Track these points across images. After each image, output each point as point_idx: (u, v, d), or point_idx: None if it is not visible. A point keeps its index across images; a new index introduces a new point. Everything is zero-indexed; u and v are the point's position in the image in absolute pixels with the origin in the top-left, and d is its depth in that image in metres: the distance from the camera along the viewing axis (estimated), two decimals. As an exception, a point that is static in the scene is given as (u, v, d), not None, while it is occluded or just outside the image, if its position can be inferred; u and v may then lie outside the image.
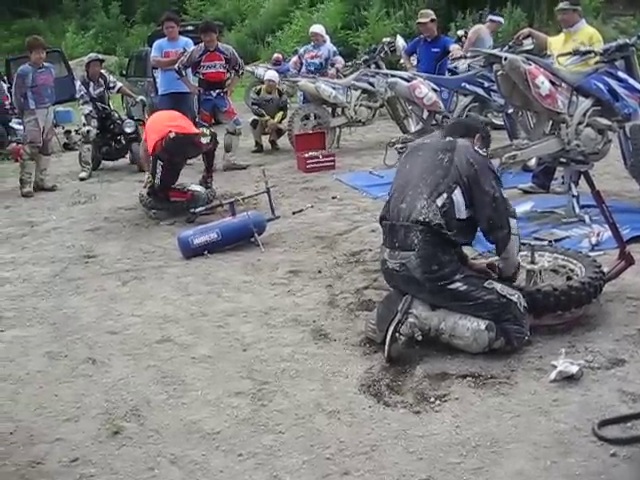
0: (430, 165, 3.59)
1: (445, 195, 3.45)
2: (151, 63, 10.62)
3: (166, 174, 6.49)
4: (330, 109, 10.16)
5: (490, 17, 11.06)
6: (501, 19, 11.61)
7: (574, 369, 3.12)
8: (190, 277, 4.97)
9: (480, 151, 3.63)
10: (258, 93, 10.77)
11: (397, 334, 3.41)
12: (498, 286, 3.49)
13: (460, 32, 11.90)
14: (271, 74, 11.02)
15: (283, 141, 10.50)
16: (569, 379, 3.11)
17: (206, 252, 5.39)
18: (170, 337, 3.96)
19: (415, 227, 3.45)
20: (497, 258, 3.78)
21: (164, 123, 6.61)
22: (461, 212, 3.49)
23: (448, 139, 3.70)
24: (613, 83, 5.43)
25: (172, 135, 6.29)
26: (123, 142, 9.55)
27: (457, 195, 3.46)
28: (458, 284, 3.44)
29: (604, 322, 3.71)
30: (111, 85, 9.55)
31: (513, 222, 3.56)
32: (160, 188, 6.57)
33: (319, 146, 9.26)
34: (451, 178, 3.47)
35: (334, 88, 9.75)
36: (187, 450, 2.85)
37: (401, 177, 3.75)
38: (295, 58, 11.46)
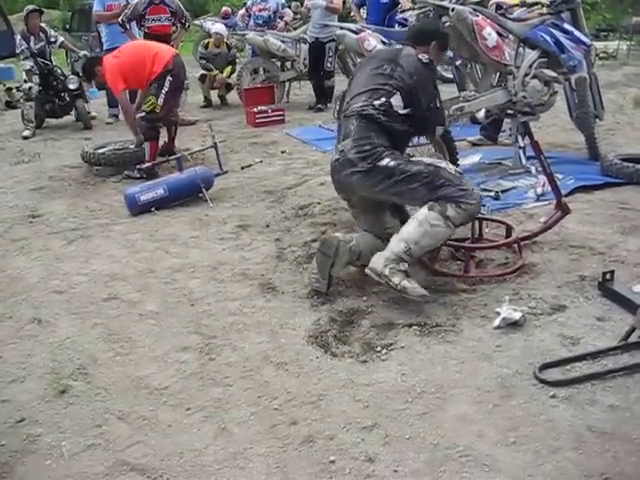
0: (374, 74, 3.74)
1: (383, 99, 3.60)
2: (94, 18, 10.27)
3: (172, 92, 6.39)
4: (279, 63, 10.05)
5: None
6: None
7: (517, 315, 3.18)
8: (137, 234, 4.90)
9: (423, 59, 3.70)
10: (206, 47, 10.56)
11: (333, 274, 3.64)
12: (426, 160, 3.71)
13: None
14: (219, 27, 10.80)
15: (232, 96, 10.37)
16: (512, 325, 3.18)
17: (153, 209, 5.33)
18: (117, 295, 3.91)
19: (353, 116, 3.63)
20: None
21: (158, 45, 6.72)
22: (400, 110, 3.63)
23: (396, 47, 3.90)
24: (559, 35, 5.44)
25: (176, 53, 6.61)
26: (67, 99, 9.23)
27: (396, 99, 3.61)
28: (387, 159, 3.51)
29: (547, 270, 3.79)
30: (52, 39, 9.20)
31: (439, 130, 3.93)
32: (160, 113, 6.37)
33: (268, 100, 9.19)
34: (390, 85, 3.63)
35: (283, 41, 9.63)
36: (135, 406, 2.83)
37: (352, 83, 3.93)
38: (243, 11, 11.28)
